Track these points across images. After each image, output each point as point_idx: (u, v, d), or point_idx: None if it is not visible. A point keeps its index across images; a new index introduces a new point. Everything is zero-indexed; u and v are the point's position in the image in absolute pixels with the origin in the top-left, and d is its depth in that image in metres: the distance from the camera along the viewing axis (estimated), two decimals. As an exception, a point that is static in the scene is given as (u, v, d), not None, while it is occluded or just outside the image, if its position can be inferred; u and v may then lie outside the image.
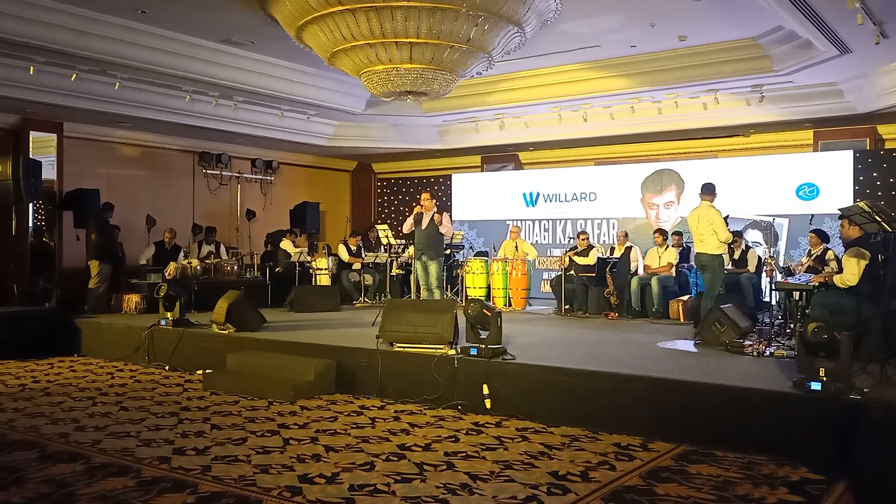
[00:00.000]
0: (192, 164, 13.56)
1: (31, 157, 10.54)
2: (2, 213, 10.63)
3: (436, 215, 9.10)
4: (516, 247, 11.69)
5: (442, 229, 9.10)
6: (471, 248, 13.92)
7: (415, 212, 9.24)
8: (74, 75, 9.57)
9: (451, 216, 10.55)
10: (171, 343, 8.09)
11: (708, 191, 7.94)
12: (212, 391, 6.70)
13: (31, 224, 10.96)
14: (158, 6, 8.53)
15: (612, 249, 11.15)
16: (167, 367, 7.97)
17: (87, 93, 10.09)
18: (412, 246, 10.13)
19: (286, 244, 12.37)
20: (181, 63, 9.86)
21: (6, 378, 7.47)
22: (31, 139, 11.01)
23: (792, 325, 7.67)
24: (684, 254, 10.52)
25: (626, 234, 11.21)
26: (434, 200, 9.43)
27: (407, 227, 9.32)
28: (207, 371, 7.23)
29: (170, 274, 10.66)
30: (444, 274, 10.52)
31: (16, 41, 8.41)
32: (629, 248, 10.74)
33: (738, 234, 9.72)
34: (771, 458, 4.48)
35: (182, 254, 11.65)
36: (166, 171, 13.18)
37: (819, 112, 10.76)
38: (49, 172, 10.79)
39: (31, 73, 9.26)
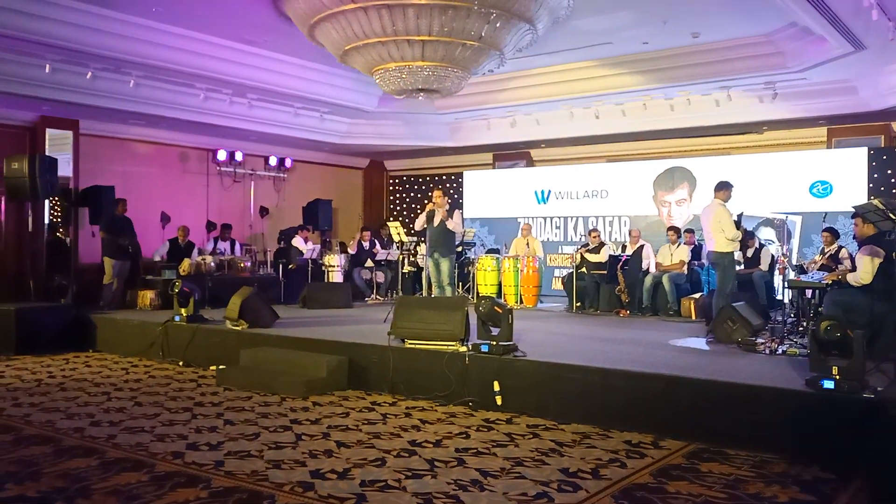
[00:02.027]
0: (206, 162, 13.64)
1: (47, 154, 10.62)
2: (18, 209, 10.74)
3: (443, 212, 9.11)
4: (528, 244, 11.69)
5: (449, 225, 9.11)
6: (482, 245, 13.93)
7: (427, 209, 9.27)
8: (89, 73, 9.65)
9: (462, 213, 10.56)
10: (185, 339, 8.16)
11: (721, 188, 7.92)
12: (225, 387, 6.74)
13: (47, 220, 11.05)
14: (173, 4, 8.58)
15: (624, 247, 11.13)
16: (181, 363, 8.04)
17: (102, 90, 10.17)
18: (424, 243, 10.16)
19: (298, 241, 12.43)
20: (195, 61, 9.93)
21: (22, 373, 7.55)
22: (47, 136, 11.12)
23: (805, 323, 7.63)
24: (696, 251, 10.48)
25: (639, 232, 11.18)
26: (446, 198, 9.46)
27: (419, 224, 9.35)
28: (221, 367, 7.29)
29: (184, 270, 10.76)
30: (456, 271, 10.54)
31: (32, 39, 8.50)
32: (641, 246, 10.72)
33: (750, 234, 9.67)
34: (783, 456, 4.47)
35: (196, 250, 11.73)
36: (181, 169, 13.27)
37: (833, 109, 10.68)
38: (65, 169, 10.87)
39: (47, 70, 9.35)
